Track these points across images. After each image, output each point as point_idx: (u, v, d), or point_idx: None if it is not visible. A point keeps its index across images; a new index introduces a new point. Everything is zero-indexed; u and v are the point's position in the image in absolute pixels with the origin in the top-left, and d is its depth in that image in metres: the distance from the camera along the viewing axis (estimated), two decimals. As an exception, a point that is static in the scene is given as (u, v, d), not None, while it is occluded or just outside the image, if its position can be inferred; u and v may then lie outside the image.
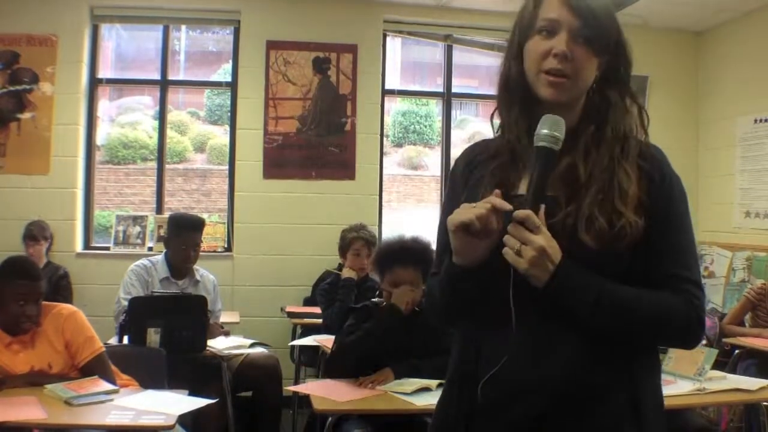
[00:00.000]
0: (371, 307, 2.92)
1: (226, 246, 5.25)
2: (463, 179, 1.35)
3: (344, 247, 4.52)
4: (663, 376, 2.91)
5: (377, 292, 3.50)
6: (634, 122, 1.29)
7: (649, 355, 1.26)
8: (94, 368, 2.72)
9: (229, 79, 5.47)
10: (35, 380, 2.60)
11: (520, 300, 1.17)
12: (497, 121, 1.35)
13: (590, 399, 1.18)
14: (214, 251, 5.15)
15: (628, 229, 1.17)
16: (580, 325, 1.17)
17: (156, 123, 5.69)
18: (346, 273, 4.20)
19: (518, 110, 1.29)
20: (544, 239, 1.13)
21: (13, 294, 2.66)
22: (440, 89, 5.83)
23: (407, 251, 2.84)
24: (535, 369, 1.18)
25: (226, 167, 5.52)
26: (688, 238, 1.25)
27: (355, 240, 4.47)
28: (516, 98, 1.29)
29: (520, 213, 1.14)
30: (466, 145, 1.44)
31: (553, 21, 1.22)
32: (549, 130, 1.17)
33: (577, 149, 1.24)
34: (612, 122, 1.25)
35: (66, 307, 2.86)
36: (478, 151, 1.36)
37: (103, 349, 2.82)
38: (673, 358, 2.99)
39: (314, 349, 4.15)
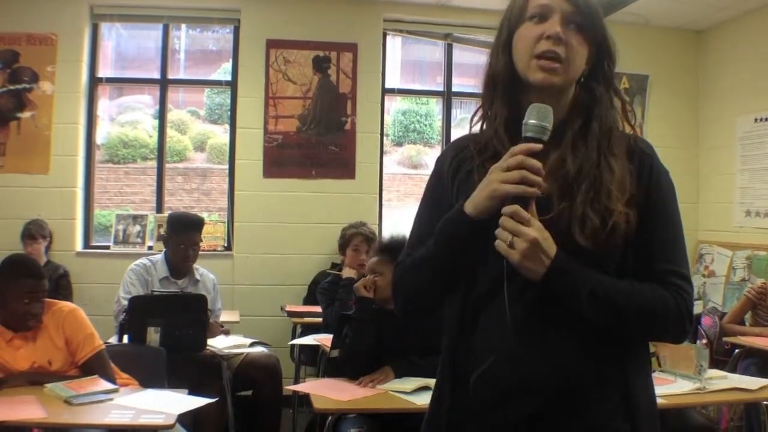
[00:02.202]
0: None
1: (226, 245, 5.24)
2: (450, 173, 1.34)
3: (344, 244, 4.54)
4: (663, 375, 2.92)
5: None
6: (619, 118, 1.29)
7: (640, 353, 1.26)
8: (94, 366, 2.72)
9: (229, 78, 5.46)
10: (35, 379, 2.60)
11: (511, 298, 1.17)
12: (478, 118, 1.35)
13: (583, 397, 1.19)
14: (214, 250, 5.15)
15: (621, 225, 1.17)
16: (572, 323, 1.18)
17: (156, 122, 5.68)
18: (347, 273, 4.20)
19: (500, 104, 1.29)
20: (536, 231, 1.13)
21: (18, 292, 2.66)
22: (440, 88, 5.82)
23: (381, 243, 3.08)
24: (527, 368, 1.18)
25: (226, 166, 5.51)
26: (677, 232, 1.25)
27: (355, 236, 4.49)
28: (499, 91, 1.29)
29: (508, 208, 1.15)
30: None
31: (545, 6, 1.23)
32: (537, 120, 1.17)
33: (565, 143, 1.24)
34: (598, 117, 1.25)
35: (66, 305, 2.88)
36: (465, 145, 1.35)
37: (103, 346, 2.82)
38: (667, 357, 2.98)
39: (314, 349, 4.14)
